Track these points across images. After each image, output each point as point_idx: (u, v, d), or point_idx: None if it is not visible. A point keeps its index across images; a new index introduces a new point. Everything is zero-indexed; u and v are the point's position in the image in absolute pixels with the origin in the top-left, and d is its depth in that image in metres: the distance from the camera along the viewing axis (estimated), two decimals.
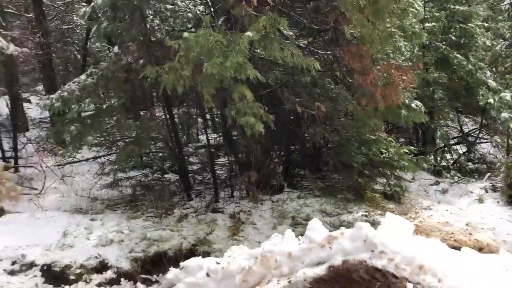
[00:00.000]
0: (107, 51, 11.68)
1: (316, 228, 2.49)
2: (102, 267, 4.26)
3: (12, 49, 6.37)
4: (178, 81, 3.96)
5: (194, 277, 2.22)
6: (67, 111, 5.81)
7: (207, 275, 2.20)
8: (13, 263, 4.24)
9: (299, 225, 5.05)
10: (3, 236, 4.62)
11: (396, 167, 6.28)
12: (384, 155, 6.23)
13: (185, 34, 3.91)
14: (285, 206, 5.64)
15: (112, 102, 6.19)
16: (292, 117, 6.12)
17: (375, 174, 6.52)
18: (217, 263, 2.29)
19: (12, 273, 4.16)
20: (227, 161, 6.84)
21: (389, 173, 6.51)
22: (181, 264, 2.58)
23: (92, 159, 7.80)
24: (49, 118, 11.27)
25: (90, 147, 7.82)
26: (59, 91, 5.63)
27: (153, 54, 5.55)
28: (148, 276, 4.30)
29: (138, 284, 4.17)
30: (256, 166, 5.73)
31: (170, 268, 2.73)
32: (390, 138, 6.54)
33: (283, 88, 5.86)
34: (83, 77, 5.68)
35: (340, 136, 6.13)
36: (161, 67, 4.04)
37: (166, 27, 6.08)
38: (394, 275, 2.31)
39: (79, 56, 11.18)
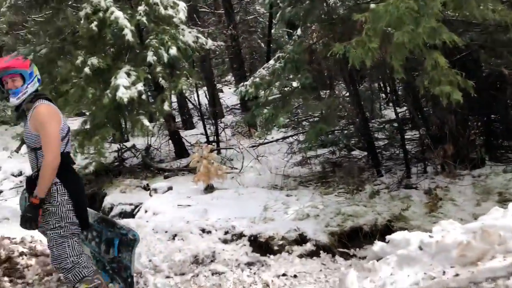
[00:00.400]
0: (287, 36, 12.21)
1: None
2: (301, 239, 4.49)
3: (210, 44, 7.14)
4: (366, 54, 3.87)
5: (406, 249, 2.19)
6: (259, 96, 6.29)
7: (420, 248, 2.14)
8: (226, 232, 4.79)
9: (508, 201, 4.51)
10: (216, 209, 5.28)
11: None
12: None
13: (372, 6, 3.81)
14: (489, 181, 5.10)
15: (298, 83, 6.43)
16: (492, 82, 5.50)
17: None
18: (430, 236, 2.21)
19: (225, 241, 4.71)
20: (416, 135, 6.52)
21: None
22: (388, 237, 2.57)
23: (281, 140, 8.28)
24: (239, 105, 12.34)
25: (278, 129, 8.31)
26: (252, 78, 6.11)
27: (336, 31, 5.56)
28: (345, 250, 4.39)
29: (337, 257, 4.27)
30: (452, 139, 5.31)
31: (375, 242, 2.73)
32: None
33: (480, 50, 5.28)
34: (271, 62, 6.06)
35: None
36: (348, 42, 4.01)
37: (347, 2, 6.01)
38: None
39: (262, 44, 11.90)
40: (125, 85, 6.28)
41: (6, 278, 3.98)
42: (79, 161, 8.29)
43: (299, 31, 6.42)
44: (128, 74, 6.47)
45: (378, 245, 2.57)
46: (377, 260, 2.32)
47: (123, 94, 6.20)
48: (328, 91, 7.83)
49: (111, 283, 3.48)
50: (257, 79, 5.93)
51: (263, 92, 6.40)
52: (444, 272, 1.97)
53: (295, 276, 3.87)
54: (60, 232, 3.00)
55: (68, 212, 3.03)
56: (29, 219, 2.91)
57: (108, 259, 3.58)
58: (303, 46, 6.02)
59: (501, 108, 5.75)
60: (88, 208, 3.38)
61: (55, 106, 3.18)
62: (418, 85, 4.34)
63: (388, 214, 4.67)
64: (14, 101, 3.06)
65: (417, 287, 1.97)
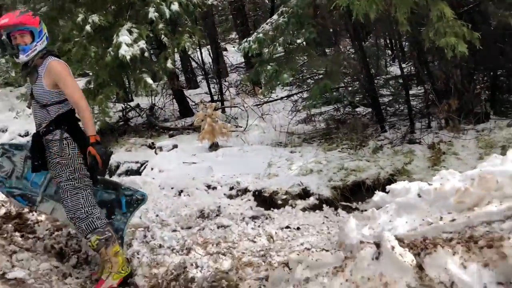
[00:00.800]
0: None
1: None
2: (304, 193, 4.58)
3: None
4: (370, 6, 3.82)
5: (405, 197, 2.24)
6: (263, 52, 6.22)
7: (419, 195, 2.18)
8: (231, 188, 4.89)
9: None
10: (221, 166, 5.35)
11: None
12: None
13: None
14: (492, 135, 5.10)
15: (302, 39, 6.34)
16: (499, 35, 5.39)
17: None
18: (429, 184, 2.25)
19: (230, 197, 4.81)
20: (421, 91, 6.48)
21: None
22: (388, 187, 2.62)
23: (285, 98, 8.26)
24: (243, 64, 12.22)
25: (282, 87, 8.27)
26: (255, 33, 6.02)
27: None
28: (347, 203, 4.47)
29: (339, 210, 4.37)
30: (457, 93, 5.28)
31: (376, 192, 2.78)
32: None
33: (488, 2, 5.16)
34: (275, 17, 5.95)
35: None
36: None
37: None
38: None
39: (266, 0, 11.64)
40: (127, 42, 6.21)
41: (17, 233, 4.10)
42: None
43: None
44: (130, 32, 6.39)
45: (378, 195, 2.62)
46: (377, 209, 2.38)
47: (126, 52, 6.15)
48: (333, 47, 7.74)
49: None
50: (261, 35, 5.84)
51: (267, 49, 6.33)
52: (441, 218, 2.02)
53: (298, 228, 3.96)
54: (74, 184, 3.11)
55: (80, 165, 3.14)
56: (106, 154, 3.12)
57: None
58: (307, 0, 5.89)
59: (508, 62, 5.66)
60: None
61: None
62: (423, 38, 4.27)
63: (390, 168, 4.72)
64: (23, 57, 3.06)
65: (414, 232, 2.02)
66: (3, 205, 4.37)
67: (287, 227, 3.98)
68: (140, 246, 3.82)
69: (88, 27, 6.45)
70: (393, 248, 1.94)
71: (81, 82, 10.70)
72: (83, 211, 3.12)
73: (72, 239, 4.15)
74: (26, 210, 4.43)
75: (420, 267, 1.92)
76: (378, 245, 2.06)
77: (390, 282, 1.89)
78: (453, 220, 1.94)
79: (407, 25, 3.98)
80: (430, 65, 6.01)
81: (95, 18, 6.47)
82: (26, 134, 9.12)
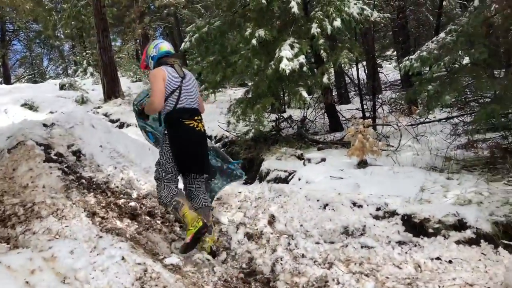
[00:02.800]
0: (460, 8, 11.17)
1: None
2: (460, 225, 4.22)
3: (375, 15, 6.91)
4: None
5: None
6: (424, 71, 5.95)
7: None
8: (378, 209, 4.74)
9: None
10: (369, 185, 5.24)
11: None
12: None
13: None
14: None
15: (470, 59, 5.90)
16: None
17: None
18: None
19: (376, 217, 4.66)
20: None
21: None
22: None
23: (444, 120, 7.73)
24: (399, 81, 11.81)
25: (441, 108, 7.77)
26: (418, 51, 5.79)
27: None
28: (511, 243, 4.00)
29: (500, 249, 3.93)
30: None
31: None
32: None
33: None
34: (442, 35, 5.65)
35: None
36: None
37: None
38: None
39: (431, 17, 11.10)
40: (288, 57, 6.50)
41: (177, 224, 4.58)
42: (240, 127, 8.94)
43: (476, 2, 5.83)
44: (292, 46, 6.67)
45: None
46: None
47: (286, 66, 6.44)
48: (504, 69, 7.03)
49: None
50: (424, 53, 5.60)
51: (428, 67, 6.03)
52: None
53: (450, 261, 3.68)
54: (157, 168, 4.06)
55: (164, 154, 4.05)
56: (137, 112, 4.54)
57: None
58: (481, 18, 5.47)
59: None
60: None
61: (166, 68, 4.05)
62: None
63: None
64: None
65: None
66: None
67: (438, 258, 3.73)
68: (284, 252, 3.95)
69: (254, 41, 6.91)
70: None
71: (240, 92, 11.51)
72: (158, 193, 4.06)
73: (223, 236, 4.48)
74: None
75: None
76: None
77: None
78: None
79: None
80: None
81: (261, 32, 6.91)
82: None
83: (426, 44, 5.94)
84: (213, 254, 3.93)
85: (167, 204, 3.93)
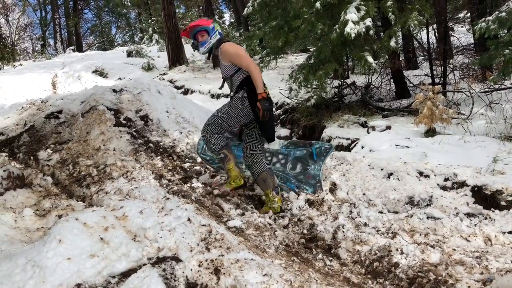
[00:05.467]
0: None
1: None
2: None
3: None
4: None
5: None
6: (501, 34, 5.52)
7: None
8: (446, 179, 4.53)
9: None
10: (437, 154, 5.03)
11: None
12: None
13: None
14: None
15: None
16: None
17: None
18: None
19: (444, 188, 4.47)
20: None
21: None
22: None
23: None
24: (472, 45, 11.06)
25: None
26: (496, 12, 5.36)
27: None
28: None
29: None
30: None
31: None
32: None
33: None
34: None
35: None
36: None
37: None
38: None
39: None
40: (354, 20, 6.26)
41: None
42: (302, 94, 8.84)
43: None
44: (358, 9, 6.41)
45: None
46: None
47: (351, 30, 6.21)
48: None
49: (296, 189, 4.50)
50: (503, 14, 5.17)
51: (507, 30, 5.58)
52: None
53: None
54: (217, 120, 4.11)
55: (234, 116, 4.07)
56: (269, 109, 3.94)
57: (294, 174, 4.57)
58: None
59: None
60: (276, 138, 4.45)
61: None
62: None
63: None
64: (202, 49, 4.15)
65: None
66: None
67: (510, 232, 3.53)
68: (346, 220, 3.91)
69: (318, 4, 6.71)
70: None
71: (302, 58, 11.32)
72: (208, 138, 4.15)
73: (285, 201, 4.51)
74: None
75: None
76: None
77: None
78: None
79: None
80: None
81: None
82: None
83: (506, 4, 5.47)
84: (281, 210, 4.19)
85: (214, 151, 4.18)
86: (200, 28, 4.13)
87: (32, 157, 5.44)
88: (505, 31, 5.82)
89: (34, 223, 3.62)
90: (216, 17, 28.01)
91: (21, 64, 20.75)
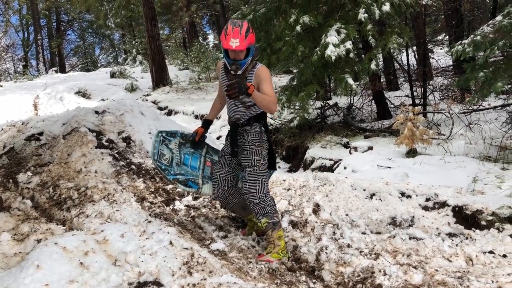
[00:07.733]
0: None
1: None
2: None
3: None
4: None
5: None
6: (477, 57, 5.68)
7: None
8: (427, 199, 4.59)
9: None
10: (418, 175, 5.10)
11: None
12: None
13: None
14: None
15: None
16: None
17: None
18: None
19: (426, 208, 4.52)
20: None
21: None
22: None
23: (500, 107, 7.38)
24: (451, 67, 11.34)
25: (496, 95, 7.41)
26: (472, 36, 5.52)
27: None
28: None
29: None
30: None
31: None
32: None
33: None
34: (498, 18, 5.35)
35: None
36: None
37: None
38: None
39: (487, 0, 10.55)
40: (334, 43, 6.38)
41: (223, 210, 4.64)
42: (285, 115, 8.91)
43: None
44: (338, 32, 6.54)
45: None
46: None
47: (332, 52, 6.32)
48: None
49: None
50: (478, 37, 5.33)
51: (482, 53, 5.74)
52: None
53: (504, 255, 3.52)
54: (257, 170, 3.58)
55: (265, 155, 3.65)
56: (239, 84, 3.17)
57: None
58: None
59: None
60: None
61: None
62: None
63: None
64: (238, 71, 3.35)
65: None
66: None
67: (491, 252, 3.57)
68: (329, 242, 3.91)
69: (298, 27, 6.83)
70: None
71: (285, 79, 11.45)
72: (256, 196, 3.57)
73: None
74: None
75: None
76: None
77: None
78: None
79: None
80: None
81: (305, 18, 6.81)
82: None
83: (481, 28, 5.65)
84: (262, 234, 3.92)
85: (265, 214, 3.59)
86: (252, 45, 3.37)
87: (11, 180, 5.34)
88: (481, 54, 5.98)
89: (11, 248, 3.53)
90: (200, 38, 28.25)
91: (1, 86, 20.51)
